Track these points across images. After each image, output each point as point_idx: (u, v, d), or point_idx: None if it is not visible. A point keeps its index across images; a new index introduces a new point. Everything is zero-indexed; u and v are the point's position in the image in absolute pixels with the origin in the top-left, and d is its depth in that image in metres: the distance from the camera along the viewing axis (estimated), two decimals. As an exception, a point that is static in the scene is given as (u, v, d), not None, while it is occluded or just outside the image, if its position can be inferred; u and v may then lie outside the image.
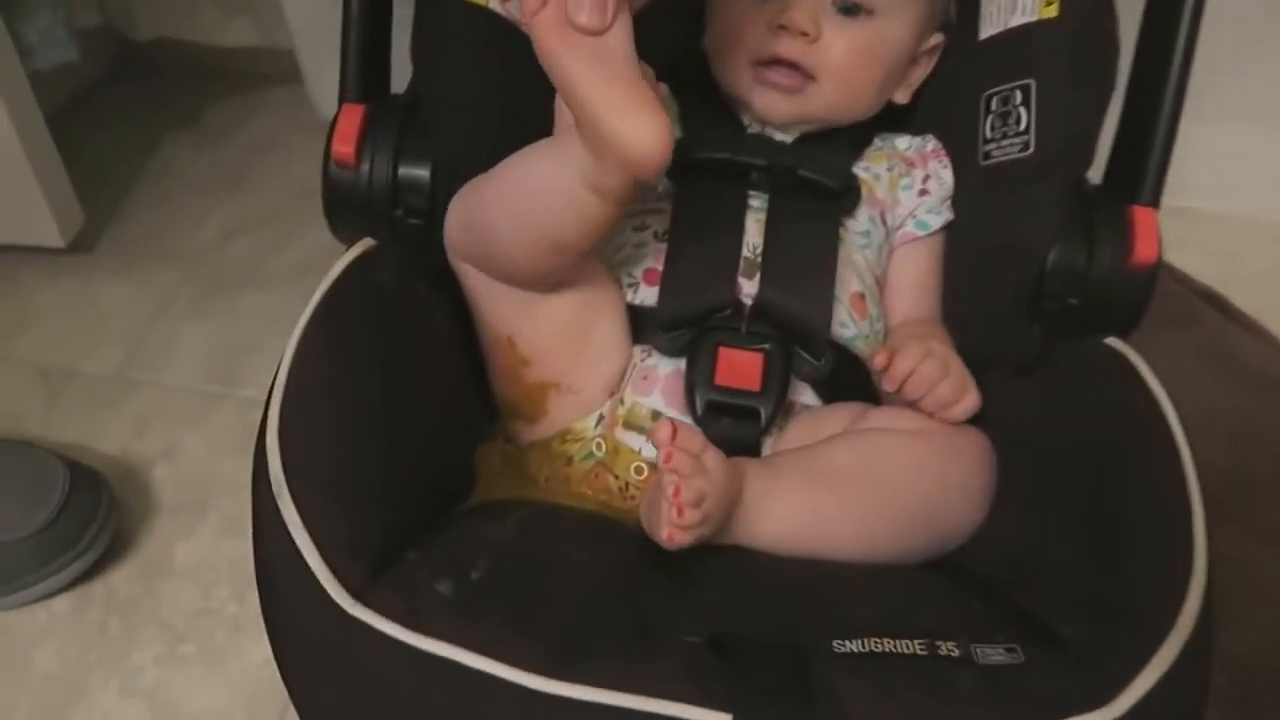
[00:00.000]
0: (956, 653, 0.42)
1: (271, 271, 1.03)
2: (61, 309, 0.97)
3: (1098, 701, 0.40)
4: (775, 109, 0.67)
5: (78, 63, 0.98)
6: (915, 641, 0.43)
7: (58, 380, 0.91)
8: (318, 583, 0.41)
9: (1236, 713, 0.72)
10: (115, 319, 0.97)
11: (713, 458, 0.48)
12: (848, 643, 0.43)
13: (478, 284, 0.59)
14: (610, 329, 0.61)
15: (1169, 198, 1.13)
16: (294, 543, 0.41)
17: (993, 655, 0.42)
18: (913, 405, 0.58)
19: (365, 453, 0.46)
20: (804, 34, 0.64)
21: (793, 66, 0.65)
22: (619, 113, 0.44)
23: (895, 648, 0.43)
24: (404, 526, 0.46)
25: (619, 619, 0.44)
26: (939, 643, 0.43)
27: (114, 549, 0.77)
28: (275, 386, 0.47)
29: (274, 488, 0.43)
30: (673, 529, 0.45)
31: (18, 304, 0.97)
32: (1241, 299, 1.04)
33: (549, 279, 0.57)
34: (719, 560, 0.48)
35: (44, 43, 0.91)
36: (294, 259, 1.03)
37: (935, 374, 0.56)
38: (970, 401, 0.57)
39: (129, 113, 1.19)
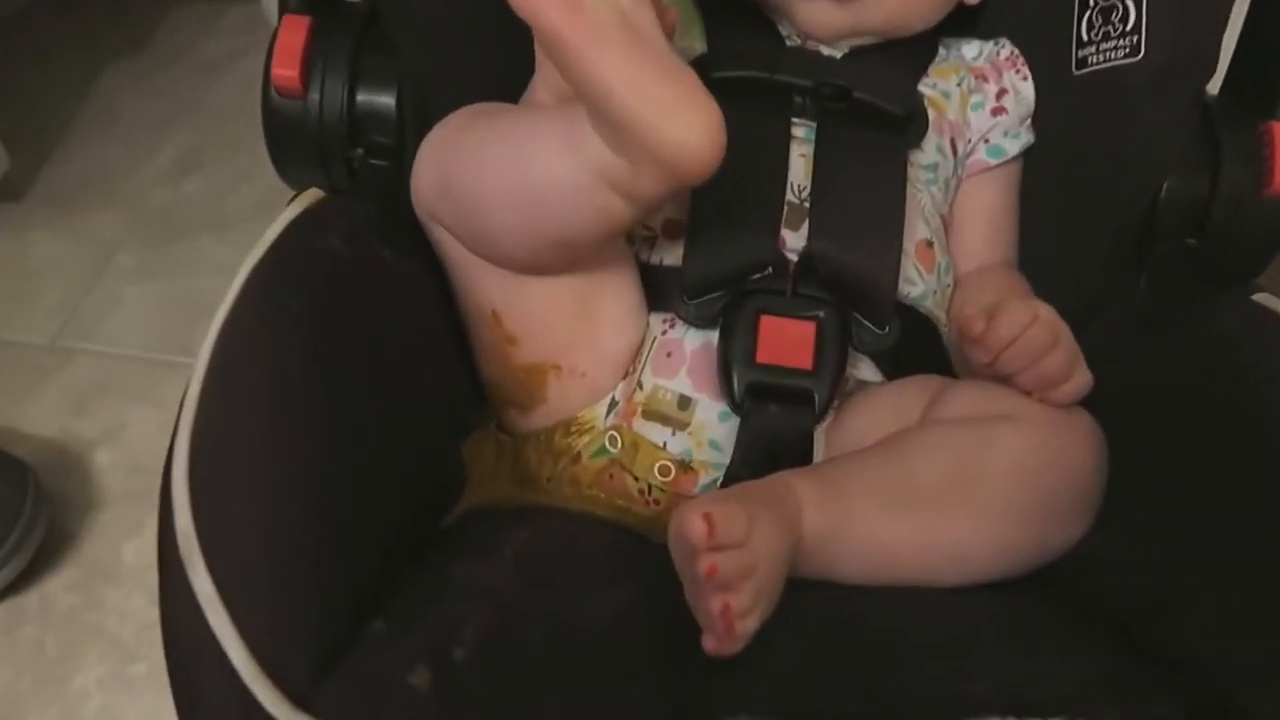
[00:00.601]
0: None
1: (232, 212, 0.92)
2: (-12, 265, 0.86)
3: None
4: (823, 20, 0.54)
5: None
6: (1055, 720, 0.32)
7: (-15, 351, 0.80)
8: (245, 688, 0.30)
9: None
10: (49, 278, 0.85)
11: (761, 530, 0.37)
12: (964, 729, 0.32)
13: (454, 252, 0.47)
14: (621, 297, 0.50)
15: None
16: (211, 630, 0.30)
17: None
18: (1004, 380, 0.46)
19: (308, 491, 0.34)
20: None
21: None
22: (661, 110, 0.35)
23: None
24: (365, 585, 0.35)
25: (654, 700, 0.33)
26: (1082, 723, 0.32)
27: (47, 552, 0.67)
28: (185, 404, 0.36)
29: (182, 551, 0.32)
30: (722, 643, 0.35)
31: (-61, 261, 0.86)
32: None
33: (549, 269, 0.46)
34: (781, 610, 0.38)
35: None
36: (257, 196, 0.91)
37: (1043, 342, 0.45)
38: (1081, 379, 0.46)
39: (65, 41, 1.07)
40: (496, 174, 0.43)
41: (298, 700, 0.30)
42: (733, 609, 0.34)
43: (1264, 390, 0.42)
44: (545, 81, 0.48)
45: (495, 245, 0.45)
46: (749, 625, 0.35)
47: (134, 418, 0.76)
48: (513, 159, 0.42)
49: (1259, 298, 0.46)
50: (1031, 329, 0.45)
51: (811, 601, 0.39)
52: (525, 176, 0.42)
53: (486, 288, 0.48)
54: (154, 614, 0.61)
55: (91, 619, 0.65)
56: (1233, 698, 0.34)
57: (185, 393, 0.36)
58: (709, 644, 0.35)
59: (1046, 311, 0.46)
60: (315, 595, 0.32)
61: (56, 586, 0.66)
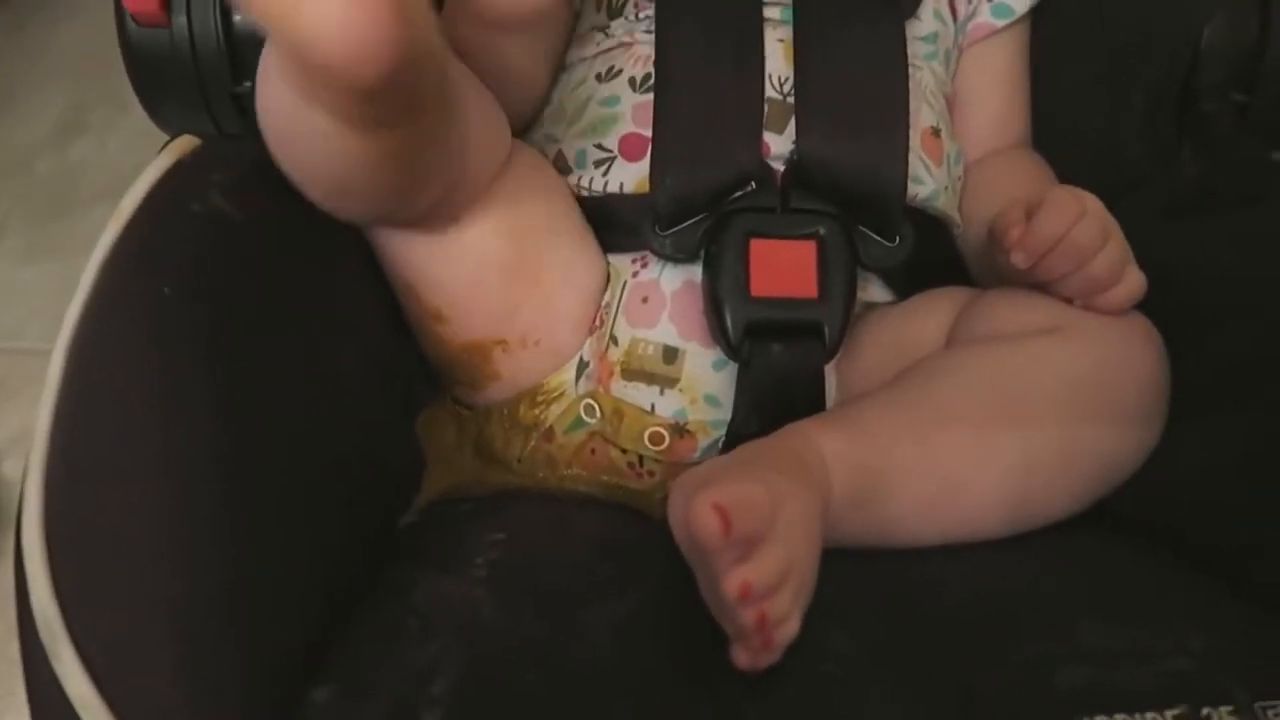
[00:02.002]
0: None
1: (129, 177, 0.80)
2: None
3: None
4: None
5: None
6: (1169, 714, 0.26)
7: None
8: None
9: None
10: (-70, 267, 0.75)
11: (789, 512, 0.30)
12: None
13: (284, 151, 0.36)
14: (565, 239, 0.42)
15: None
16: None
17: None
18: (1045, 287, 0.39)
19: (212, 526, 0.26)
20: None
21: None
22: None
23: (1140, 728, 0.26)
24: (303, 638, 0.28)
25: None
26: (1207, 711, 0.26)
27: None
28: (37, 435, 0.27)
29: (44, 639, 0.24)
30: (758, 657, 0.28)
31: None
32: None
33: (427, 222, 0.38)
34: (823, 595, 0.31)
35: None
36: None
37: (1093, 240, 0.38)
38: (1136, 281, 0.39)
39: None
40: (264, 119, 0.34)
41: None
42: (769, 618, 0.27)
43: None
44: None
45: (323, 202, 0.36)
46: (789, 630, 0.28)
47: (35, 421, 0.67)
48: (264, 95, 0.33)
49: None
50: (1079, 225, 0.38)
51: (858, 578, 0.33)
52: (272, 110, 0.33)
53: (391, 254, 0.39)
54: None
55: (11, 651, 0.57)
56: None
57: (36, 432, 0.27)
58: (741, 659, 0.28)
59: (1094, 203, 0.39)
60: (233, 673, 0.25)
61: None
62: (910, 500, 0.36)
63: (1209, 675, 0.27)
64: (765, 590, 0.27)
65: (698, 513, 0.27)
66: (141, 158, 0.89)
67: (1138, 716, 0.26)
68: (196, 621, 0.25)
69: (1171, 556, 0.35)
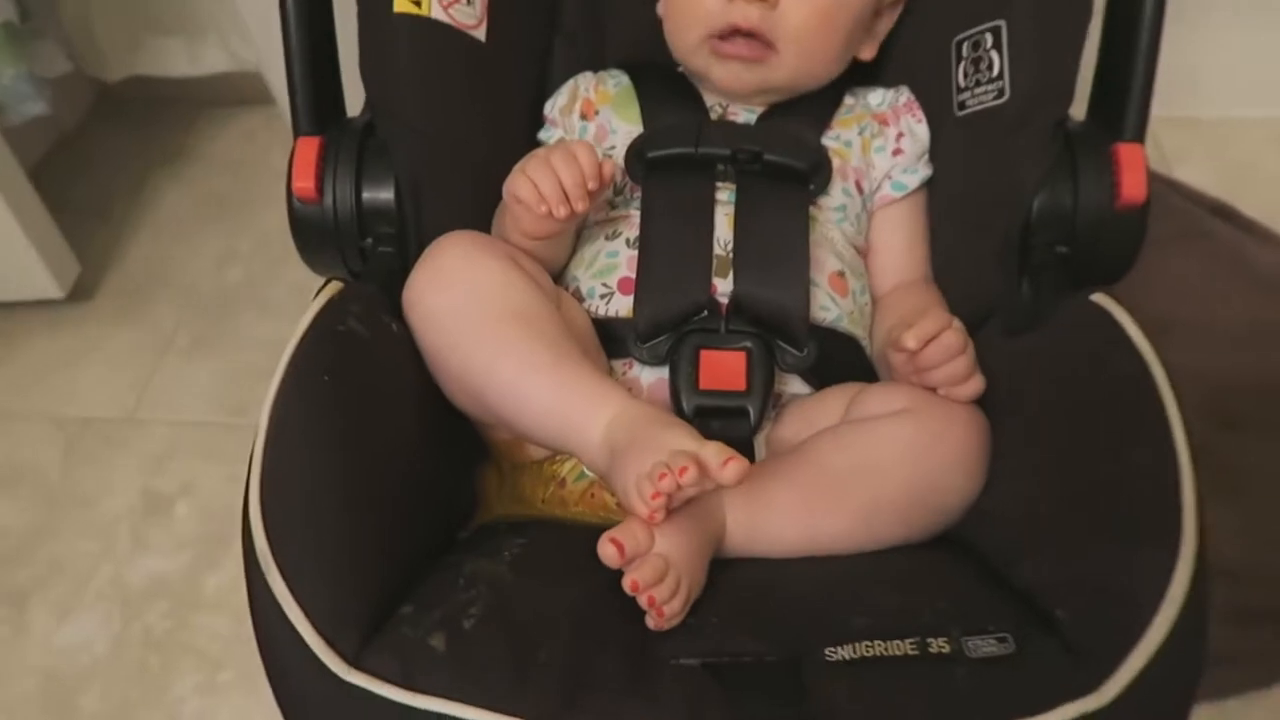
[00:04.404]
0: (947, 649, 0.42)
1: (270, 294, 1.04)
2: (68, 358, 0.99)
3: (1086, 689, 0.40)
4: (738, 80, 0.66)
5: (51, 113, 0.97)
6: (907, 642, 0.43)
7: (72, 429, 0.93)
8: (313, 654, 0.41)
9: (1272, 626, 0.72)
10: (122, 362, 0.98)
11: (667, 536, 0.47)
12: (840, 649, 0.43)
13: (432, 361, 0.57)
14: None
15: (1177, 110, 1.10)
16: (287, 618, 0.42)
17: (984, 647, 0.42)
18: (917, 379, 0.56)
19: (350, 516, 0.46)
20: (762, 0, 0.62)
21: (751, 36, 0.63)
22: None
23: (887, 650, 0.43)
24: (396, 581, 0.47)
25: (615, 651, 0.44)
26: (930, 640, 0.43)
27: (146, 588, 0.79)
28: (254, 457, 0.47)
29: (261, 564, 0.43)
30: (660, 623, 0.46)
31: (26, 358, 0.99)
32: (1255, 205, 1.01)
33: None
34: (717, 579, 0.48)
35: (11, 99, 0.91)
36: (292, 279, 1.03)
37: (956, 344, 0.54)
38: (978, 382, 0.55)
39: (112, 155, 1.20)
40: (486, 382, 0.54)
41: (351, 662, 0.42)
42: (655, 600, 0.45)
43: (1081, 378, 0.52)
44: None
45: (458, 395, 0.57)
46: (675, 606, 0.45)
47: (204, 473, 0.88)
48: (518, 395, 0.54)
49: (1095, 297, 0.55)
50: (946, 333, 0.54)
51: (740, 573, 0.50)
52: (519, 403, 0.54)
53: (454, 395, 0.57)
54: (234, 631, 0.74)
55: (183, 638, 0.77)
56: (1052, 614, 0.44)
57: (252, 447, 0.47)
58: (650, 623, 0.46)
59: (958, 322, 0.56)
60: (361, 590, 0.44)
61: (154, 616, 0.79)
62: (785, 531, 0.52)
63: (940, 622, 0.44)
64: (647, 585, 0.44)
65: (603, 546, 0.45)
66: (278, 281, 1.13)
67: (890, 644, 0.43)
68: (341, 561, 0.44)
69: (969, 562, 0.51)
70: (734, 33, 0.64)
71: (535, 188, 0.56)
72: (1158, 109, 1.15)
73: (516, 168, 0.58)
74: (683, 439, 0.47)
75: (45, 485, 0.88)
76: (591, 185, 0.57)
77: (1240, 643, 0.72)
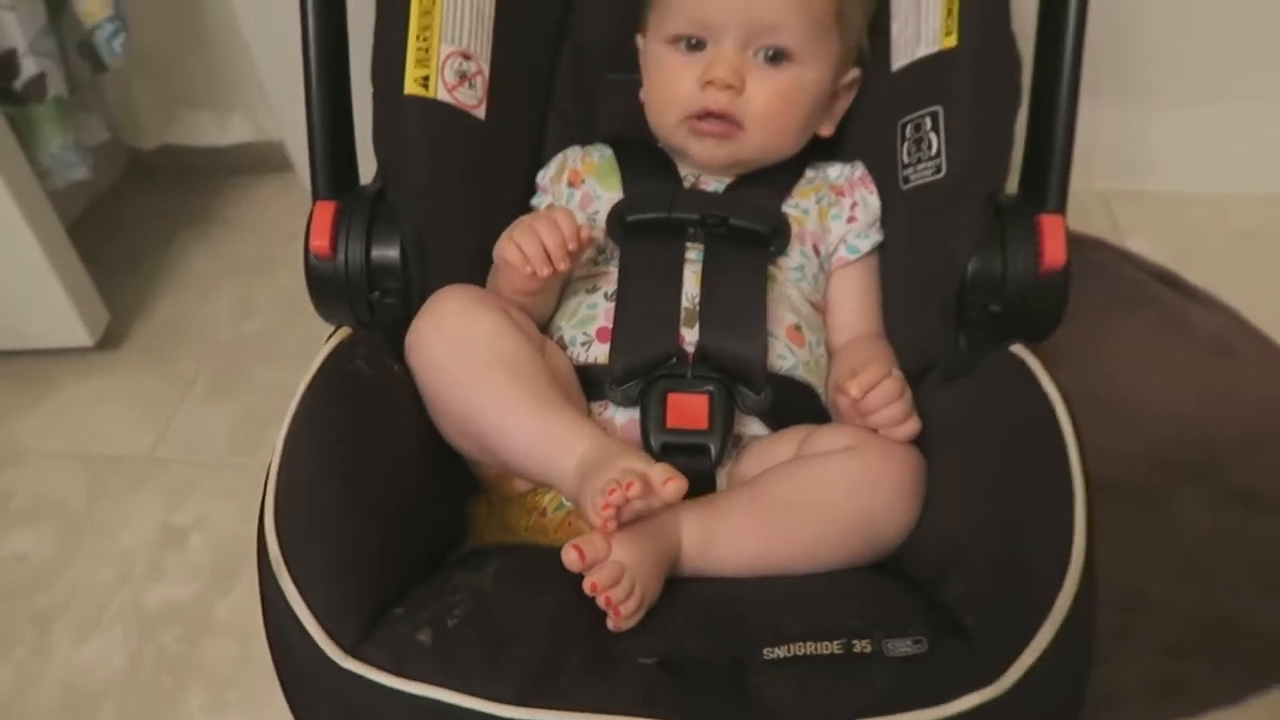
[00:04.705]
0: (869, 649, 0.49)
1: (283, 345, 1.11)
2: (96, 401, 1.06)
3: (987, 680, 0.46)
4: (712, 155, 0.74)
5: (91, 178, 1.06)
6: (835, 643, 0.49)
7: (97, 467, 1.00)
8: (316, 644, 0.48)
9: (1202, 659, 0.77)
10: (145, 405, 1.06)
11: (624, 546, 0.53)
12: (776, 649, 0.49)
13: (430, 401, 0.64)
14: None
15: (1129, 184, 1.19)
16: (294, 614, 0.49)
17: (901, 648, 0.49)
18: (861, 421, 0.63)
19: (352, 531, 0.53)
20: (729, 87, 0.70)
21: (722, 117, 0.72)
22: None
23: (816, 650, 0.49)
24: (391, 588, 0.53)
25: (582, 649, 0.50)
26: (854, 641, 0.49)
27: (160, 612, 0.85)
28: (269, 476, 0.54)
29: (274, 567, 0.50)
30: (618, 623, 0.52)
31: (57, 400, 1.07)
32: (1200, 274, 1.08)
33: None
34: (676, 592, 0.55)
35: (58, 165, 1.00)
36: (303, 332, 1.10)
37: (894, 391, 0.62)
38: (914, 424, 0.62)
39: (143, 215, 1.29)
40: (479, 420, 0.61)
41: (348, 651, 0.48)
42: (612, 600, 0.51)
43: (998, 418, 0.59)
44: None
45: (450, 429, 0.64)
46: (631, 607, 0.51)
47: (218, 509, 0.94)
48: (508, 429, 0.60)
49: (1014, 348, 0.62)
50: (886, 381, 0.62)
51: (696, 586, 0.56)
52: (504, 438, 0.60)
53: (449, 432, 0.64)
54: (242, 654, 0.80)
55: (194, 660, 0.82)
56: (963, 621, 0.51)
57: (268, 469, 0.54)
58: (610, 624, 0.52)
59: (896, 371, 0.63)
60: (360, 594, 0.51)
61: (167, 638, 0.85)
62: (738, 552, 0.58)
63: (865, 628, 0.50)
64: (605, 586, 0.50)
65: (566, 552, 0.52)
66: (290, 333, 1.21)
67: (820, 644, 0.49)
68: (344, 568, 0.51)
69: (900, 581, 0.58)
70: (708, 114, 0.72)
71: (521, 251, 0.64)
72: (1112, 183, 1.26)
73: (505, 233, 0.66)
74: (634, 461, 0.54)
75: (70, 517, 0.95)
76: (571, 247, 0.64)
77: (1176, 673, 0.77)
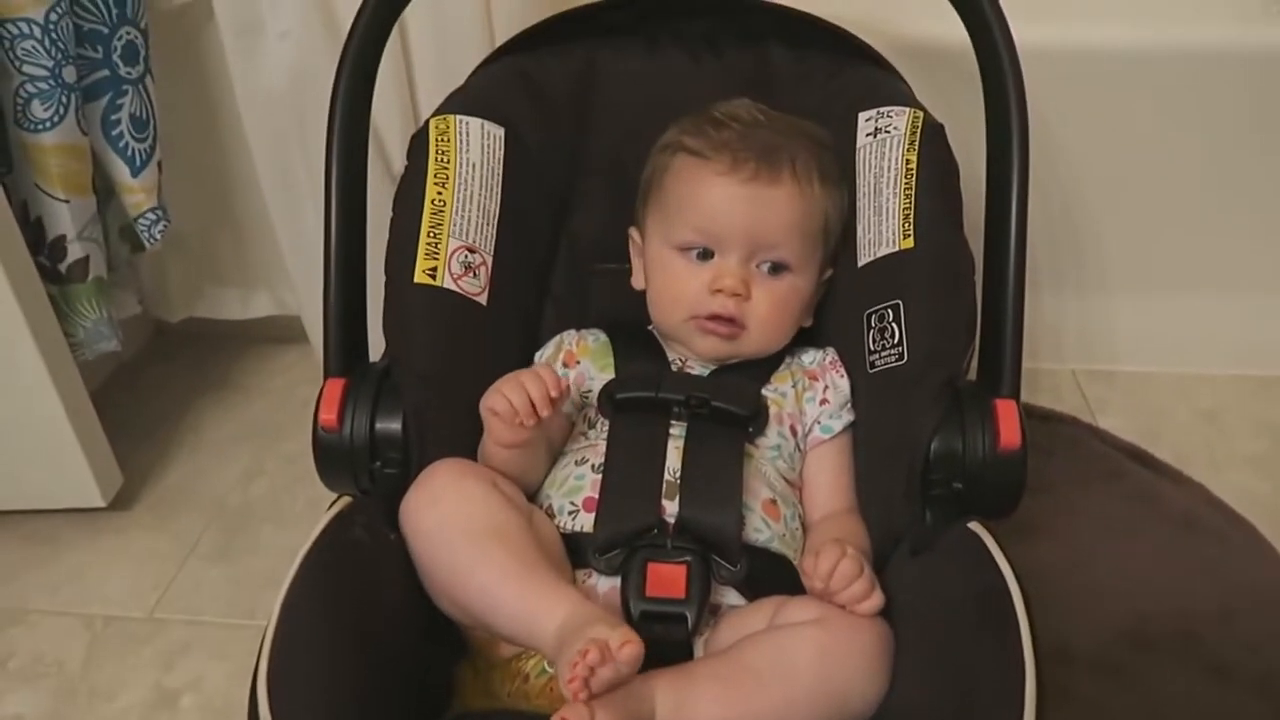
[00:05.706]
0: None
1: (288, 508, 1.15)
2: (103, 562, 1.09)
3: None
4: (715, 351, 0.82)
5: (120, 349, 1.13)
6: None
7: (97, 626, 1.02)
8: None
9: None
10: (149, 566, 1.08)
11: (602, 713, 0.55)
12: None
13: (421, 569, 0.68)
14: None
15: (1099, 364, 1.26)
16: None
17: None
18: (826, 600, 0.66)
19: (342, 698, 0.56)
20: (737, 294, 0.78)
21: (730, 320, 0.79)
22: None
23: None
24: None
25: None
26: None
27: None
28: (265, 642, 0.58)
29: (263, 723, 0.53)
30: None
31: (64, 560, 1.10)
32: (1168, 450, 1.13)
33: None
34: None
35: (91, 339, 1.08)
36: (309, 495, 1.15)
37: (852, 571, 0.65)
38: (878, 599, 0.66)
39: (163, 382, 1.35)
40: (469, 586, 0.65)
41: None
42: None
43: (955, 593, 0.62)
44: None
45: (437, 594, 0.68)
46: None
47: (211, 670, 0.96)
48: (487, 589, 0.64)
49: (971, 525, 0.66)
50: (843, 562, 0.65)
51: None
52: (486, 600, 0.64)
53: (438, 597, 0.67)
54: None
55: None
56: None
57: (264, 631, 0.58)
58: None
59: (853, 551, 0.66)
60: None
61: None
62: (708, 718, 0.60)
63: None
64: None
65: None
66: (296, 497, 1.25)
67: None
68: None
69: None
70: (715, 317, 0.79)
71: (509, 401, 0.69)
72: (1083, 363, 1.33)
73: (492, 388, 0.72)
74: (600, 629, 0.57)
75: (65, 678, 0.96)
76: (553, 394, 0.69)
77: None
